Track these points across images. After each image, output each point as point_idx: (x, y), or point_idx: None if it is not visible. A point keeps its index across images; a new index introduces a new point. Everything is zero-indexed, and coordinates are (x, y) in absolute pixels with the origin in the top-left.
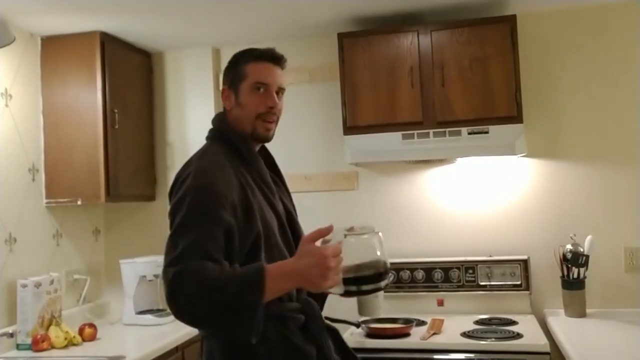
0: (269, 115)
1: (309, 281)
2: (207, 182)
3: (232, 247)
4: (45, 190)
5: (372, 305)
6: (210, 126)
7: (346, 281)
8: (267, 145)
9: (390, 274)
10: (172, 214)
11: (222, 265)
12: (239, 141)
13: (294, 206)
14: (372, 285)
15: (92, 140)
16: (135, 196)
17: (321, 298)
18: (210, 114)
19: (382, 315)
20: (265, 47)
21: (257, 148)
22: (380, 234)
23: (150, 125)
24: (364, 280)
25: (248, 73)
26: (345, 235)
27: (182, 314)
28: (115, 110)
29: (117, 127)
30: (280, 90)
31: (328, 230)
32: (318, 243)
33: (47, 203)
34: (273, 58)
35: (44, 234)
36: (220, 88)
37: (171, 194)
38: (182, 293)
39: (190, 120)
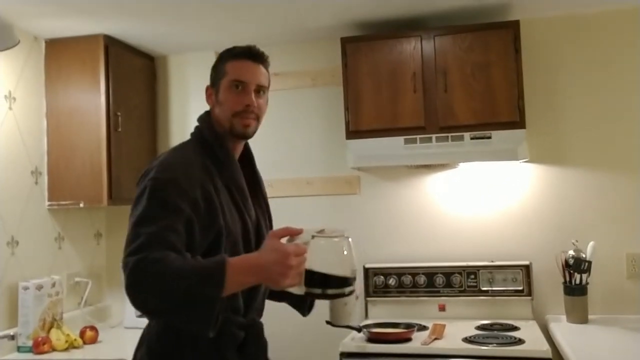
0: (246, 114)
1: (270, 278)
2: (170, 176)
3: (193, 241)
4: (48, 192)
5: (342, 311)
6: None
7: (311, 283)
8: (267, 148)
9: (354, 283)
10: (134, 206)
11: (184, 255)
12: (215, 142)
13: (269, 217)
14: (337, 290)
15: (95, 143)
16: None
17: (304, 300)
18: None
19: (351, 324)
20: (249, 45)
21: (240, 148)
22: (350, 239)
23: (153, 128)
24: (329, 284)
25: (227, 71)
26: (313, 237)
27: (142, 303)
28: (119, 114)
29: (120, 130)
30: (260, 89)
31: (297, 231)
32: (284, 240)
33: (49, 206)
34: (252, 56)
35: (46, 237)
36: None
37: (137, 186)
38: (142, 281)
39: (192, 124)
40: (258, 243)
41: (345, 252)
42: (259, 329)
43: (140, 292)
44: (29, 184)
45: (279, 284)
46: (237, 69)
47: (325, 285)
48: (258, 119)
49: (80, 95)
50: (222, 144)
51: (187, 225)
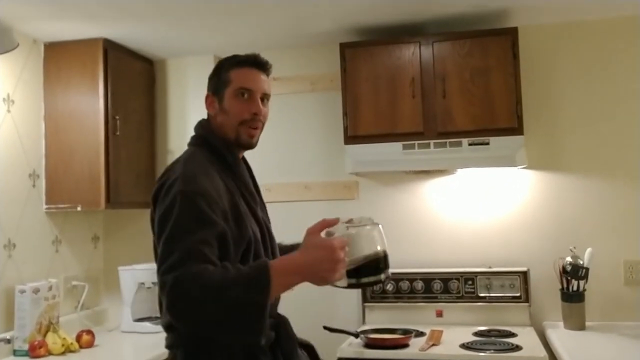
0: (253, 122)
1: (317, 275)
2: (197, 187)
3: (227, 253)
4: (46, 196)
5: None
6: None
7: (349, 274)
8: (266, 152)
9: (389, 267)
10: (163, 221)
11: (224, 266)
12: (224, 148)
13: (269, 219)
14: (373, 277)
15: (93, 146)
16: (135, 203)
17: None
18: None
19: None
20: (253, 53)
21: (241, 155)
22: (380, 226)
23: (151, 132)
24: (364, 272)
25: (232, 79)
26: (347, 228)
27: (186, 320)
28: (117, 117)
29: (118, 133)
30: (265, 97)
31: (334, 221)
32: (322, 234)
33: (47, 209)
34: (257, 64)
35: (44, 240)
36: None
37: (156, 200)
38: (185, 298)
39: (191, 128)
40: (272, 245)
41: (377, 239)
42: (286, 324)
43: (184, 310)
44: (27, 187)
45: (328, 280)
46: (243, 77)
47: (363, 274)
48: (262, 127)
49: (79, 99)
50: (231, 150)
51: (221, 238)
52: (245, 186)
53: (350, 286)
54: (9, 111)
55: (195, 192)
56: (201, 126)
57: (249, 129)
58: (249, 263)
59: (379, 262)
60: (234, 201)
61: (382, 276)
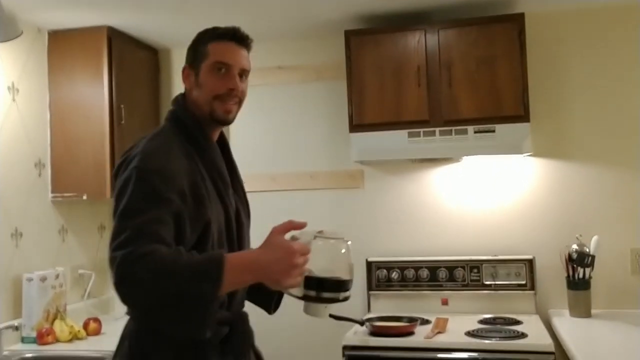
0: (229, 97)
1: (270, 276)
2: (154, 165)
3: (183, 234)
4: (51, 185)
5: (320, 310)
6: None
7: (307, 285)
8: (270, 141)
9: (350, 288)
10: (117, 197)
11: (177, 249)
12: (194, 126)
13: (247, 205)
14: (332, 294)
15: (98, 135)
16: None
17: (271, 298)
18: None
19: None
20: (233, 26)
21: (217, 134)
22: (349, 242)
23: (156, 122)
24: (325, 287)
25: (209, 52)
26: (315, 237)
27: (130, 300)
28: (122, 106)
29: (123, 123)
30: (243, 73)
31: (301, 224)
32: (287, 237)
33: (52, 197)
34: (237, 38)
35: (50, 229)
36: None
37: (116, 176)
38: (131, 278)
39: None
40: (239, 232)
41: (344, 256)
42: (243, 320)
43: (129, 289)
44: (33, 176)
45: (280, 284)
46: (221, 51)
47: (322, 288)
48: (240, 103)
49: (84, 88)
50: (201, 128)
51: (176, 218)
52: (216, 168)
53: (304, 298)
54: (14, 100)
55: (151, 170)
56: (176, 101)
57: (224, 104)
58: (206, 249)
59: (340, 279)
60: (194, 181)
61: (341, 296)
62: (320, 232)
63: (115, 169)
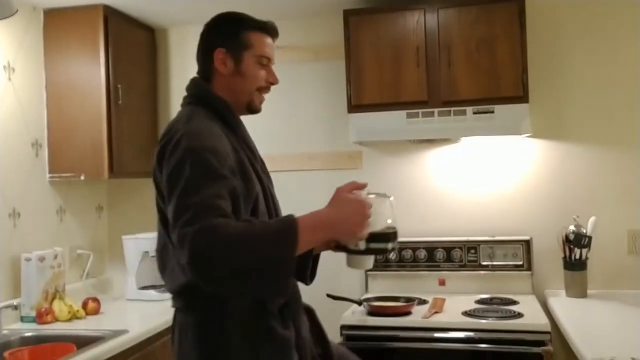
0: (268, 90)
1: (347, 230)
2: (205, 143)
3: (238, 210)
4: (49, 165)
5: (365, 261)
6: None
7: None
8: (269, 122)
9: (397, 239)
10: (173, 178)
11: (247, 220)
12: (225, 108)
13: (271, 181)
14: (382, 244)
15: (95, 115)
16: (138, 173)
17: (312, 263)
18: None
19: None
20: (270, 20)
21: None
22: (392, 198)
23: (154, 102)
24: (375, 238)
25: (253, 43)
26: (368, 194)
27: (209, 273)
28: (119, 86)
29: (120, 103)
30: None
31: (363, 185)
32: None
33: (50, 178)
34: (275, 33)
35: (48, 210)
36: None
37: (161, 159)
38: (208, 251)
39: None
40: (275, 204)
41: (389, 211)
42: (295, 285)
43: (206, 263)
44: (30, 156)
45: (356, 235)
46: (265, 45)
47: (372, 240)
48: None
49: (80, 67)
50: (231, 109)
51: (232, 194)
52: (247, 145)
53: (363, 252)
54: (9, 79)
55: (204, 148)
56: (197, 85)
57: (261, 96)
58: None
59: (389, 233)
60: (239, 158)
61: (390, 245)
62: (368, 192)
63: (157, 154)
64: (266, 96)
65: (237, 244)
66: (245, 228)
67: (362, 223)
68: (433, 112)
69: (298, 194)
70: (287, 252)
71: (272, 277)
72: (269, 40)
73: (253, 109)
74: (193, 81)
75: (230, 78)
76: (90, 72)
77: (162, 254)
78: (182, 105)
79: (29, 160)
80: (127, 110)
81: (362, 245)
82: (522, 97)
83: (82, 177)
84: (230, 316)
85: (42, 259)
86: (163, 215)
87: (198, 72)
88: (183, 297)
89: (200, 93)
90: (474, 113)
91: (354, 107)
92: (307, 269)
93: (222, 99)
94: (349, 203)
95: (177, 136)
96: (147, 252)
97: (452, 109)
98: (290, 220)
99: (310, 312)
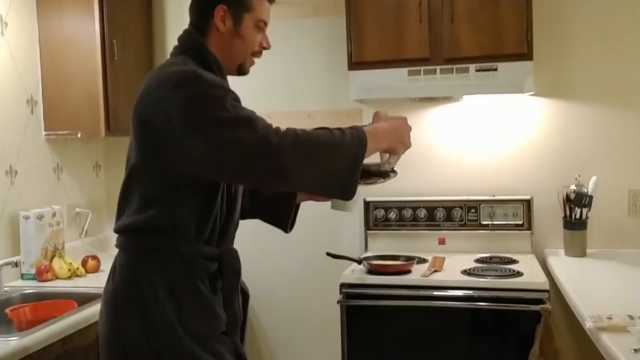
0: (260, 54)
1: (401, 140)
2: (210, 78)
3: None
4: (44, 122)
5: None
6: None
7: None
8: (267, 80)
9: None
10: (199, 103)
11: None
12: (217, 66)
13: None
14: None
15: (90, 71)
16: None
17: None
18: None
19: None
20: None
21: None
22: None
23: (150, 59)
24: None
25: (254, 6)
26: None
27: (293, 173)
28: (114, 41)
29: (116, 59)
30: None
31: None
32: None
33: (46, 135)
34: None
35: (45, 167)
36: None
37: (159, 97)
38: (299, 148)
39: None
40: None
41: None
42: (233, 256)
43: (300, 160)
44: (25, 113)
45: (407, 145)
46: (264, 9)
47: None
48: None
49: (74, 22)
50: (222, 70)
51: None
52: None
53: (387, 174)
54: (2, 34)
55: (212, 82)
56: (192, 37)
57: (253, 59)
58: None
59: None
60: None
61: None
62: None
63: (140, 101)
64: (265, 52)
65: (317, 139)
66: (316, 133)
67: (409, 136)
68: (435, 70)
69: None
70: (361, 155)
71: (346, 174)
72: (267, 4)
73: (243, 72)
74: (187, 32)
75: (227, 37)
76: (84, 27)
77: (126, 192)
78: (173, 55)
79: (25, 117)
80: (123, 67)
81: (393, 162)
82: (526, 54)
83: (79, 135)
84: (160, 267)
85: (40, 217)
86: (134, 156)
87: (191, 24)
88: (119, 236)
89: (195, 45)
90: (477, 71)
91: (355, 64)
92: (289, 216)
93: (215, 56)
94: (396, 119)
95: (181, 74)
96: None
97: (455, 66)
98: (359, 127)
99: (245, 296)
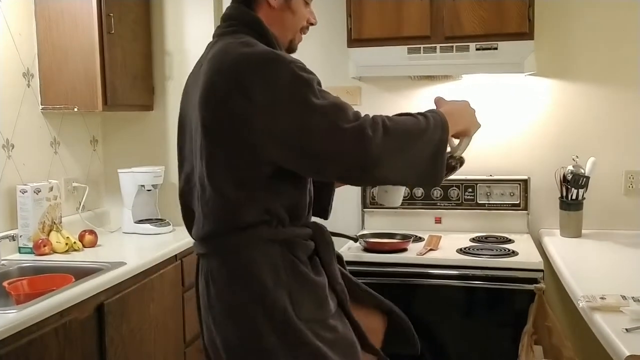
0: (307, 30)
1: (473, 121)
2: (296, 60)
3: None
4: (41, 96)
5: (397, 195)
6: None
7: None
8: None
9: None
10: (290, 87)
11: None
12: (276, 43)
13: None
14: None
15: (87, 45)
16: (133, 106)
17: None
18: (210, 22)
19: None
20: None
21: None
22: None
23: (147, 32)
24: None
25: None
26: None
27: (386, 158)
28: (111, 15)
29: (113, 32)
30: None
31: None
32: None
33: (43, 109)
34: None
35: (42, 141)
36: None
37: (236, 84)
38: (390, 136)
39: (188, 29)
40: None
41: None
42: (324, 232)
43: (389, 147)
44: (22, 86)
45: (478, 126)
46: None
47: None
48: None
49: None
50: (281, 47)
51: None
52: None
53: (457, 163)
54: None
55: (301, 67)
56: (245, 13)
57: (301, 35)
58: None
59: None
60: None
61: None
62: None
63: (211, 85)
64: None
65: (406, 128)
66: (399, 119)
67: (475, 116)
68: (435, 48)
69: None
70: (445, 138)
71: (432, 160)
72: None
73: (292, 48)
74: (236, 8)
75: (278, 12)
76: (81, 1)
77: (188, 199)
78: (227, 34)
79: (21, 91)
80: (120, 40)
81: (464, 146)
82: (527, 33)
83: (76, 109)
84: (260, 261)
85: (37, 190)
86: (209, 154)
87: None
88: (209, 243)
89: (252, 22)
90: (477, 49)
91: (354, 41)
92: (329, 204)
93: (272, 33)
94: (460, 102)
95: (264, 55)
96: (143, 186)
97: (455, 44)
98: (438, 111)
99: (339, 259)
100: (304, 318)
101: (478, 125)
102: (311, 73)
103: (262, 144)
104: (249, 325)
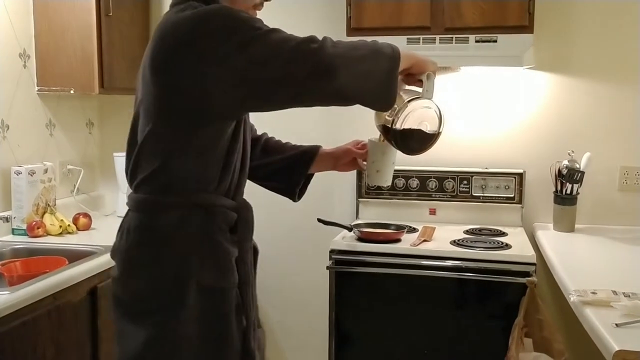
0: (261, 7)
1: (425, 59)
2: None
3: None
4: (37, 77)
5: (388, 173)
6: None
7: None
8: None
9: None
10: (232, 29)
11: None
12: None
13: None
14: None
15: (85, 27)
16: (130, 89)
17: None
18: None
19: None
20: None
21: None
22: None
23: (145, 15)
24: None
25: None
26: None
27: (342, 70)
28: None
29: (111, 14)
30: None
31: None
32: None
33: (38, 91)
34: None
35: (37, 123)
36: None
37: (179, 37)
38: (333, 52)
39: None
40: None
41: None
42: (248, 209)
43: (339, 53)
44: (18, 67)
45: (434, 63)
46: None
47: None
48: None
49: None
50: None
51: None
52: None
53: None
54: None
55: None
56: None
57: (255, 12)
58: None
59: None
60: None
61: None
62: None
63: (155, 47)
64: (261, 15)
65: (354, 42)
66: (350, 42)
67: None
68: (434, 39)
69: (292, 120)
70: (398, 58)
71: (385, 76)
72: None
73: None
74: None
75: None
76: None
77: (141, 150)
78: (174, 4)
79: (17, 72)
80: (118, 23)
81: (431, 86)
82: (527, 26)
83: (72, 92)
84: (182, 221)
85: (32, 172)
86: (160, 98)
87: None
88: (142, 194)
89: None
90: (477, 42)
91: (353, 30)
92: (297, 185)
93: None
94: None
95: (202, 11)
96: None
97: (454, 36)
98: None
99: (254, 251)
100: (205, 284)
101: (433, 62)
102: (247, 13)
103: (212, 94)
104: (145, 282)
